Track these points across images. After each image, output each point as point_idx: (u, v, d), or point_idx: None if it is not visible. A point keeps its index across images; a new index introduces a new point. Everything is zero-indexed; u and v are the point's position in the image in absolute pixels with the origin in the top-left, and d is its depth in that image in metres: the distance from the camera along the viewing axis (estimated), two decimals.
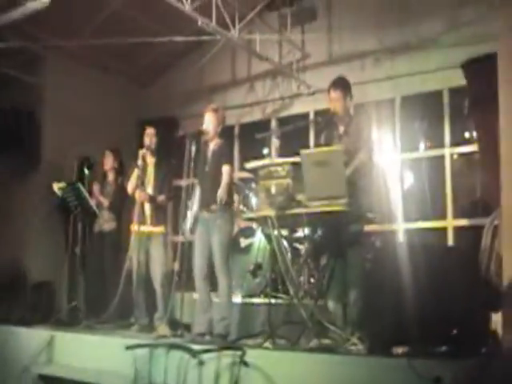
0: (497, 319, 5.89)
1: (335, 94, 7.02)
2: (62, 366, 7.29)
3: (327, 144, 6.98)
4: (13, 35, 9.97)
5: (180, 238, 7.58)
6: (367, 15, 9.99)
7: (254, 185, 8.34)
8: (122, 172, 9.13)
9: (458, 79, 8.77)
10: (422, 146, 10.09)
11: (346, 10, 10.36)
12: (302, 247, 7.86)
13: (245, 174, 8.79)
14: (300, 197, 6.52)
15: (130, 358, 6.24)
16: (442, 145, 9.59)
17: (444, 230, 9.36)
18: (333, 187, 6.22)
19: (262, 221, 7.17)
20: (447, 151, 9.51)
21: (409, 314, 5.29)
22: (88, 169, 9.37)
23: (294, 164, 6.68)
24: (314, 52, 10.59)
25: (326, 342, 6.09)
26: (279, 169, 6.83)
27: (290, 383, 5.43)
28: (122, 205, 9.07)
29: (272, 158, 8.84)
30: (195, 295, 7.63)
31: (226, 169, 7.26)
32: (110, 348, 6.95)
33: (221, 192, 7.14)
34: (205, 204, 7.33)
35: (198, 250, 7.31)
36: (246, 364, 5.62)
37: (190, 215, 7.58)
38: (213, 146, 7.48)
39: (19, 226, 10.60)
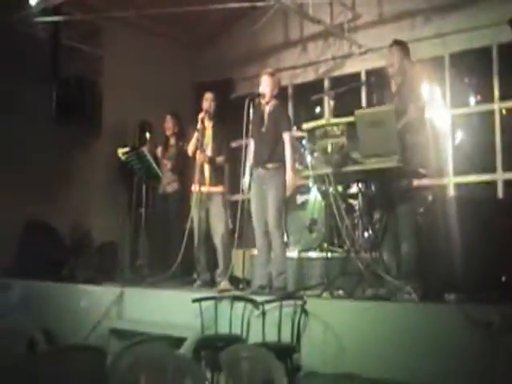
0: None
1: (394, 52, 7.20)
2: (132, 320, 7.68)
3: (379, 103, 7.17)
4: (73, 8, 10.32)
5: (239, 197, 7.82)
6: None
7: (307, 144, 8.54)
8: (183, 135, 9.33)
9: (507, 35, 8.83)
10: (471, 101, 10.22)
11: None
12: (356, 203, 8.06)
13: (299, 133, 8.98)
14: (355, 155, 6.73)
15: (197, 310, 6.50)
16: (491, 100, 9.72)
17: (494, 183, 9.52)
18: (385, 145, 6.41)
19: (318, 178, 7.40)
20: (497, 106, 9.64)
21: (459, 263, 5.57)
22: (149, 133, 9.70)
23: (349, 124, 6.90)
24: (365, 12, 10.68)
25: (381, 291, 6.33)
26: (335, 128, 7.04)
27: (347, 330, 5.74)
28: (184, 167, 9.26)
29: (327, 117, 9.00)
30: (254, 251, 7.94)
31: (287, 136, 7.54)
32: (176, 301, 7.32)
33: (289, 162, 7.45)
34: (261, 162, 7.60)
35: (255, 206, 7.60)
36: (306, 313, 5.95)
37: (246, 173, 7.82)
38: (269, 107, 7.72)
39: (84, 191, 10.95)
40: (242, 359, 4.43)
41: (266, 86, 7.71)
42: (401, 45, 7.26)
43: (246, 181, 7.79)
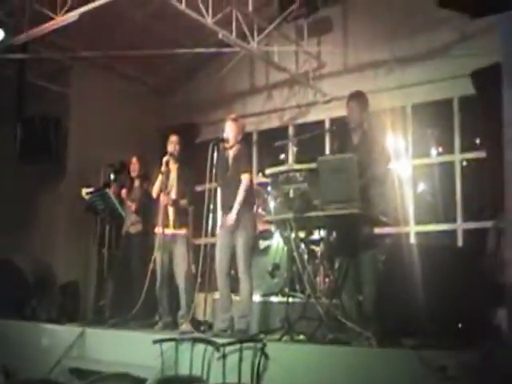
0: (501, 315, 6.22)
1: (353, 105, 7.32)
2: (92, 360, 7.62)
3: (341, 152, 7.31)
4: (41, 46, 10.39)
5: (202, 241, 7.88)
6: (381, 27, 10.32)
7: (270, 189, 8.65)
8: (148, 178, 9.38)
9: (468, 88, 9.08)
10: (433, 151, 10.44)
11: (360, 21, 10.73)
12: (317, 249, 8.15)
13: (262, 179, 9.07)
14: (316, 201, 6.82)
15: (157, 351, 6.51)
16: (452, 151, 9.94)
17: (454, 232, 9.68)
18: (346, 192, 6.50)
19: (281, 223, 7.49)
20: (457, 157, 9.86)
21: (418, 309, 5.67)
22: (114, 175, 9.76)
23: (311, 170, 7.02)
24: (330, 62, 10.92)
25: (341, 336, 6.39)
26: (297, 174, 7.17)
27: (306, 373, 5.77)
28: (148, 209, 9.28)
29: (290, 164, 9.13)
30: (216, 295, 7.99)
31: (245, 177, 7.59)
32: (137, 343, 7.31)
33: (239, 200, 7.49)
34: (228, 207, 7.64)
35: (220, 251, 7.63)
36: (266, 356, 6.00)
37: (211, 218, 7.88)
38: (233, 152, 7.82)
39: (48, 230, 10.96)
40: None
41: (229, 131, 7.80)
42: (359, 98, 7.37)
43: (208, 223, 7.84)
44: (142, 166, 9.63)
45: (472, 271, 5.97)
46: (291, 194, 7.17)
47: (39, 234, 10.82)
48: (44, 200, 11.07)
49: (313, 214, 6.83)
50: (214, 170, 7.59)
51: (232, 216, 7.46)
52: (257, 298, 8.28)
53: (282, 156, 10.11)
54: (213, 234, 7.85)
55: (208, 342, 6.48)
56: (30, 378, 6.90)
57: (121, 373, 5.77)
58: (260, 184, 9.02)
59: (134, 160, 9.66)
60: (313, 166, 6.93)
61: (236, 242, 7.54)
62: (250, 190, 7.65)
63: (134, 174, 9.68)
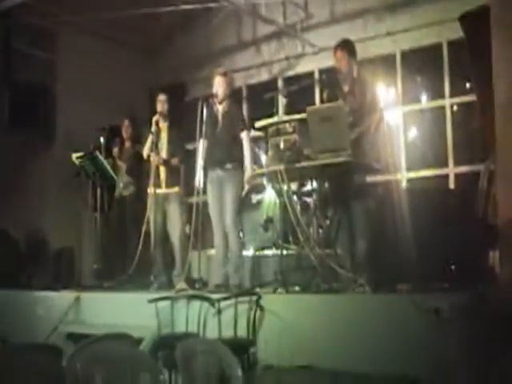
0: (494, 256, 6.20)
1: (340, 54, 7.25)
2: (88, 324, 7.62)
3: (330, 100, 7.24)
4: (25, 12, 10.25)
5: (194, 199, 7.82)
6: None
7: (261, 143, 8.59)
8: (138, 138, 9.30)
9: (457, 32, 8.94)
10: (423, 97, 10.34)
11: None
12: (310, 200, 8.11)
13: (254, 134, 9.01)
14: (307, 151, 6.80)
15: (153, 311, 6.48)
16: (442, 96, 9.87)
17: (446, 177, 9.65)
18: (337, 140, 6.49)
19: (273, 176, 7.44)
20: (447, 102, 9.80)
21: (411, 254, 5.62)
22: (104, 138, 9.68)
23: (301, 120, 6.97)
24: (317, 12, 10.75)
25: (335, 285, 6.41)
26: (287, 125, 7.13)
27: (302, 324, 5.76)
28: (140, 169, 9.23)
29: (280, 115, 9.05)
30: (210, 252, 7.96)
31: (245, 135, 7.62)
32: (133, 304, 7.29)
33: (247, 157, 7.53)
34: (218, 162, 7.63)
35: (214, 207, 7.64)
36: (261, 308, 5.98)
37: (199, 174, 7.83)
38: (222, 107, 7.77)
39: (39, 197, 10.87)
40: (198, 353, 4.43)
41: (218, 86, 7.74)
42: (346, 46, 7.29)
43: (199, 180, 7.80)
44: (132, 127, 9.57)
45: (464, 213, 5.93)
46: (282, 146, 7.11)
47: (31, 202, 10.73)
48: (34, 167, 10.96)
49: (304, 164, 6.81)
50: (203, 127, 7.51)
51: (248, 174, 7.53)
52: (250, 252, 8.29)
53: (273, 110, 10.00)
54: (204, 192, 7.78)
55: (203, 299, 6.45)
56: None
57: (117, 333, 5.72)
58: (252, 138, 8.94)
59: (126, 122, 9.64)
60: (302, 116, 6.87)
61: (225, 196, 7.50)
62: (240, 145, 7.59)
63: (125, 135, 9.63)
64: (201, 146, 7.71)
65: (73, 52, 11.41)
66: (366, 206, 6.89)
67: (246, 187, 7.65)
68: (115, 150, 9.63)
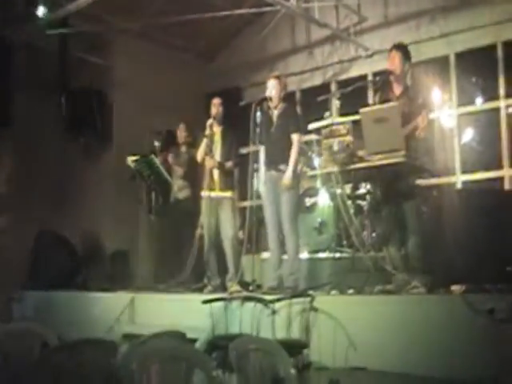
0: None
1: (394, 57, 7.21)
2: (143, 325, 7.69)
3: (383, 102, 7.20)
4: (80, 20, 10.42)
5: (248, 203, 7.83)
6: None
7: (315, 146, 8.59)
8: (194, 142, 9.34)
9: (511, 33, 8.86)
10: (477, 99, 10.18)
11: None
12: (364, 203, 8.08)
13: (309, 137, 9.00)
14: (361, 153, 6.79)
15: (207, 312, 6.50)
16: (497, 97, 9.73)
17: (501, 180, 9.49)
18: (391, 141, 6.46)
19: (326, 178, 7.44)
20: (502, 103, 9.64)
21: (465, 255, 5.56)
22: (159, 141, 9.77)
23: (354, 122, 6.97)
24: (371, 15, 10.68)
25: (390, 287, 6.37)
26: (341, 127, 7.12)
27: (356, 325, 5.76)
28: (195, 173, 9.26)
29: (333, 117, 9.04)
30: (264, 255, 7.96)
31: (295, 137, 7.56)
32: (187, 305, 7.37)
33: (293, 159, 7.45)
34: (273, 164, 7.64)
35: (269, 210, 7.64)
36: (315, 309, 5.97)
37: (256, 177, 7.84)
38: (277, 110, 7.76)
39: (95, 200, 11.01)
40: (251, 351, 4.45)
41: (272, 89, 7.76)
42: (401, 48, 7.25)
43: (254, 184, 7.80)
44: (188, 132, 9.65)
45: None
46: (335, 148, 7.09)
47: (87, 205, 10.90)
48: (90, 171, 11.14)
49: (358, 165, 6.80)
50: (257, 130, 7.53)
51: (288, 175, 7.44)
52: (305, 255, 8.29)
53: (327, 113, 9.99)
54: (258, 196, 7.79)
55: (257, 300, 6.46)
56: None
57: (170, 331, 5.77)
58: (306, 142, 8.94)
59: (182, 126, 9.70)
60: (356, 117, 6.87)
61: (281, 200, 7.49)
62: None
63: (180, 140, 9.71)
64: (261, 151, 7.69)
65: (128, 57, 11.55)
66: (420, 208, 6.86)
67: (283, 188, 7.56)
68: (171, 156, 9.68)
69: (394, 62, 7.20)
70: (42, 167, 10.33)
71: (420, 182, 7.10)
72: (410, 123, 6.66)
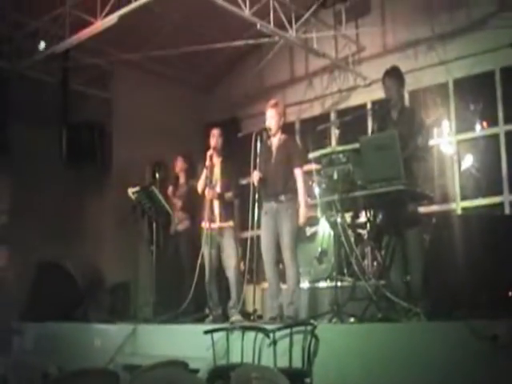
0: None
1: (389, 82, 7.29)
2: (145, 356, 7.60)
3: (382, 129, 7.24)
4: (81, 53, 10.49)
5: (248, 234, 7.81)
6: (419, 4, 10.26)
7: (315, 175, 8.58)
8: (193, 174, 9.34)
9: (509, 58, 8.89)
10: (476, 125, 10.20)
11: (398, 0, 10.65)
12: (364, 232, 8.09)
13: (309, 167, 9.00)
14: (360, 181, 6.78)
15: (208, 342, 6.52)
16: (496, 123, 9.78)
17: (501, 206, 9.49)
18: (390, 169, 6.45)
19: (327, 207, 7.42)
20: (501, 129, 9.70)
21: (467, 281, 5.53)
22: (159, 173, 9.79)
23: (354, 150, 6.97)
24: (369, 44, 10.84)
25: (390, 314, 6.32)
26: (340, 156, 7.10)
27: (358, 353, 5.70)
28: (195, 204, 9.25)
29: (333, 147, 9.07)
30: (264, 285, 7.94)
31: (299, 172, 7.57)
32: (188, 335, 7.33)
33: (301, 193, 7.47)
34: (273, 194, 7.60)
35: (266, 239, 7.57)
36: (316, 338, 5.93)
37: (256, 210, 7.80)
38: (277, 141, 7.75)
39: (96, 231, 11.04)
40: (253, 380, 4.42)
41: (270, 118, 7.74)
42: (393, 74, 7.35)
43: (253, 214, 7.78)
44: (187, 163, 9.65)
45: None
46: (335, 177, 7.08)
47: (88, 237, 10.91)
48: (91, 203, 11.17)
49: (358, 193, 6.79)
50: (257, 160, 7.53)
51: (303, 213, 7.44)
52: (305, 284, 8.30)
53: (326, 142, 10.04)
54: (259, 226, 7.77)
55: (258, 330, 6.44)
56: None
57: (172, 360, 5.75)
58: (306, 172, 8.94)
59: (179, 158, 9.71)
60: (355, 146, 6.88)
61: (280, 230, 7.48)
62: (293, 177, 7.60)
63: (179, 171, 9.73)
64: (255, 179, 7.65)
65: (128, 89, 11.66)
66: (420, 235, 6.87)
67: (302, 220, 7.55)
68: (170, 189, 9.69)
69: (388, 88, 7.29)
70: (43, 199, 10.33)
71: (420, 208, 7.11)
72: (407, 146, 6.68)
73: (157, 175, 9.92)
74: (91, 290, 10.27)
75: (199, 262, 8.41)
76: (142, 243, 10.24)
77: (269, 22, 9.50)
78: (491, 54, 9.47)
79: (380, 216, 7.31)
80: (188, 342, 7.23)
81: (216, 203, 8.56)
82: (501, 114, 9.70)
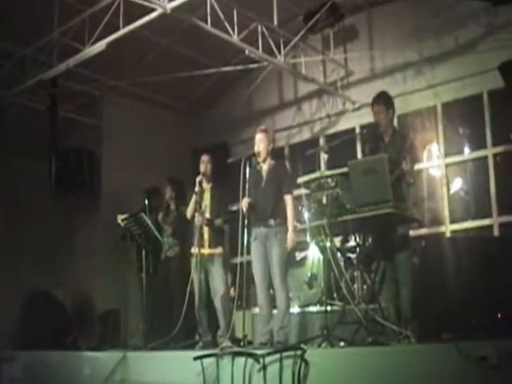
0: None
1: (378, 108, 7.31)
2: (135, 383, 7.60)
3: (374, 152, 7.24)
4: (69, 80, 10.51)
5: (238, 260, 7.78)
6: (406, 28, 10.26)
7: (304, 200, 8.56)
8: (183, 200, 9.28)
9: (497, 81, 8.90)
10: (465, 148, 10.19)
11: (385, 25, 10.70)
12: (353, 256, 8.06)
13: (298, 191, 8.98)
14: (349, 205, 6.76)
15: (198, 368, 6.50)
16: (484, 146, 9.79)
17: (490, 228, 9.47)
18: (379, 193, 6.45)
19: (316, 232, 7.40)
20: (490, 152, 9.70)
21: (456, 303, 5.52)
22: (152, 199, 9.76)
23: (343, 174, 6.96)
24: (357, 69, 10.88)
25: (380, 338, 6.29)
26: (329, 180, 7.11)
27: (348, 377, 5.63)
28: (184, 230, 9.25)
29: (322, 171, 9.05)
30: (255, 311, 7.89)
31: (289, 198, 7.56)
32: (178, 362, 7.23)
33: (290, 219, 7.44)
34: (262, 219, 7.57)
35: (257, 264, 7.53)
36: (306, 362, 5.88)
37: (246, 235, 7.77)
38: (266, 166, 7.74)
39: (85, 259, 11.03)
40: None
41: (260, 143, 7.72)
42: (381, 99, 7.38)
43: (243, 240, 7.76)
44: (176, 190, 9.62)
45: (509, 260, 5.80)
46: (324, 201, 7.07)
47: (77, 265, 10.91)
48: (80, 230, 11.16)
49: (347, 217, 6.77)
50: (247, 185, 7.51)
51: (290, 238, 7.40)
52: (295, 309, 8.24)
53: (315, 166, 10.02)
54: (249, 252, 7.73)
55: (248, 355, 6.37)
56: None
57: None
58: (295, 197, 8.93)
59: (169, 185, 9.69)
60: (344, 170, 6.87)
61: (270, 254, 7.45)
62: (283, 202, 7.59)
63: (167, 196, 9.70)
64: (244, 205, 7.62)
65: (117, 115, 11.72)
66: (410, 258, 6.86)
67: (291, 245, 7.52)
68: (160, 215, 9.66)
69: (378, 113, 7.31)
70: (31, 226, 10.33)
71: (410, 232, 7.10)
72: (397, 168, 6.70)
73: (146, 201, 9.87)
74: (81, 318, 10.26)
75: (189, 288, 8.37)
76: (132, 270, 10.17)
77: (257, 48, 9.56)
78: (479, 77, 9.49)
79: (369, 240, 7.31)
80: (178, 368, 7.14)
81: (205, 229, 8.51)
82: (489, 137, 9.70)
